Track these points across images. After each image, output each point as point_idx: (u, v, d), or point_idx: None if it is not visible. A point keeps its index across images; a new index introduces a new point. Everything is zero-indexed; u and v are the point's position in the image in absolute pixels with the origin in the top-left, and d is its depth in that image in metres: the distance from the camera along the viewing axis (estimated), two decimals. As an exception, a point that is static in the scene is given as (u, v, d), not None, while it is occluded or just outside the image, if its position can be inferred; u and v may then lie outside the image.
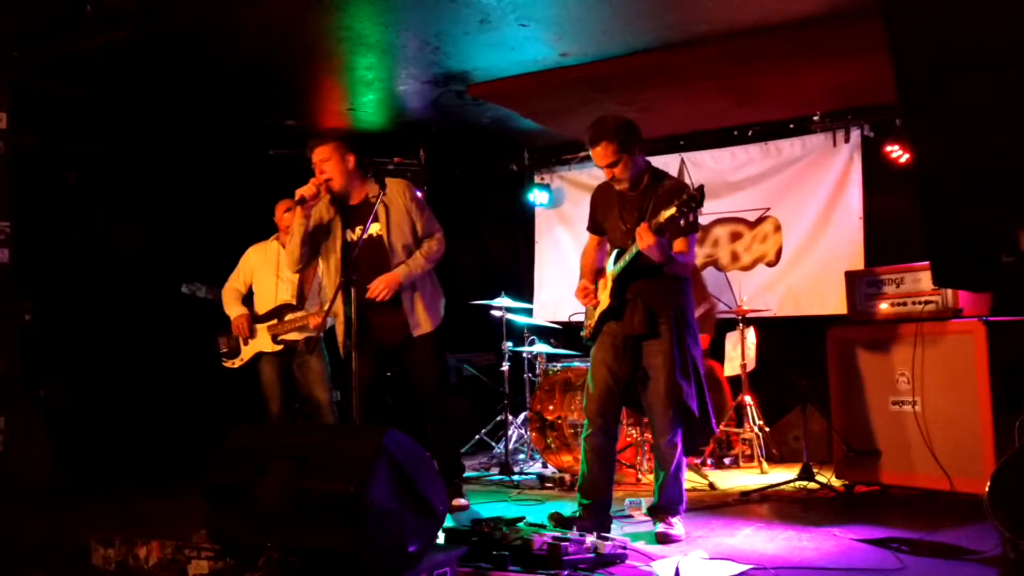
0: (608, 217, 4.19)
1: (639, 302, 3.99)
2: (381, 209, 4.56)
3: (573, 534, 3.55)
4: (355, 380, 4.55)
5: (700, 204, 3.66)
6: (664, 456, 4.05)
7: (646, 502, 4.40)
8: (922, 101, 2.94)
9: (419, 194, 4.73)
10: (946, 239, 3.06)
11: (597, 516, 4.04)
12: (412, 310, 4.62)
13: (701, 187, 3.68)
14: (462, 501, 4.76)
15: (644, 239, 3.76)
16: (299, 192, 4.43)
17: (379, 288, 4.50)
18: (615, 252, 4.10)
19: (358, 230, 4.54)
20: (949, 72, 2.83)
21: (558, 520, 3.99)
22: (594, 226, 4.32)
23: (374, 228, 4.58)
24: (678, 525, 4.01)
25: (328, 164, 4.49)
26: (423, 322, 4.65)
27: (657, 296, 3.99)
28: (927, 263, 4.87)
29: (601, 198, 4.26)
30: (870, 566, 3.42)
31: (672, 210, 3.66)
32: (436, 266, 4.76)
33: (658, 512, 4.07)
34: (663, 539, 3.91)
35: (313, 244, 4.60)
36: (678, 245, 3.96)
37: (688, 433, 4.05)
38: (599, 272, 4.25)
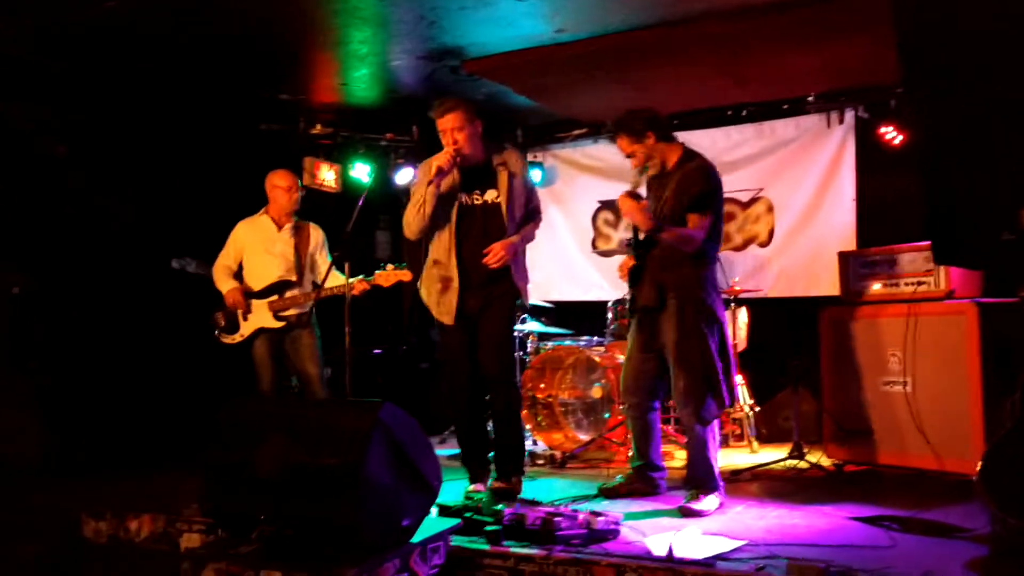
0: (649, 199, 4.36)
1: (649, 275, 4.21)
2: (504, 176, 4.40)
3: (566, 509, 3.57)
4: (348, 357, 4.52)
5: None
6: (686, 428, 4.22)
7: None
8: (925, 76, 2.94)
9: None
10: (946, 216, 3.07)
11: (644, 478, 4.39)
12: (517, 277, 4.50)
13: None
14: None
15: (623, 205, 4.07)
16: (436, 165, 4.28)
17: (498, 251, 4.30)
18: None
19: (475, 195, 4.42)
20: (953, 47, 2.83)
21: (607, 491, 4.36)
22: None
23: (490, 195, 4.41)
24: (707, 500, 4.05)
25: (461, 134, 4.33)
26: (524, 289, 4.56)
27: (665, 272, 4.17)
28: (920, 244, 4.89)
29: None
30: (862, 543, 3.44)
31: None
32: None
33: (689, 485, 4.21)
34: (686, 512, 3.96)
35: (435, 212, 4.36)
36: (690, 220, 4.13)
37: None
38: None
